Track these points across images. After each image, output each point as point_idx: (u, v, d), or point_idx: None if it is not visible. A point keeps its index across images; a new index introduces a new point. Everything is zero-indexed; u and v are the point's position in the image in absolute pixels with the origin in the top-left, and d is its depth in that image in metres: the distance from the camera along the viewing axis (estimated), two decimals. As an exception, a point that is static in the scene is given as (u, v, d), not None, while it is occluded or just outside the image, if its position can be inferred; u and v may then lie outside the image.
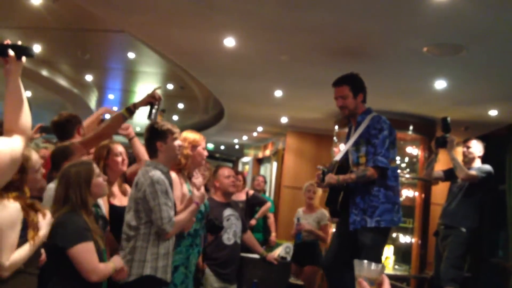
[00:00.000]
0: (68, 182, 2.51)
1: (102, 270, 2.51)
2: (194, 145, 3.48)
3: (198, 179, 3.18)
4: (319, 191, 5.91)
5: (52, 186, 2.76)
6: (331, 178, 3.50)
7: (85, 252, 2.44)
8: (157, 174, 2.90)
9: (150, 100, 3.29)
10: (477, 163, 4.79)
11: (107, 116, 3.96)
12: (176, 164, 3.35)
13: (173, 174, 3.30)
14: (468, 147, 4.82)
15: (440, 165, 5.24)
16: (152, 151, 3.05)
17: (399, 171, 6.87)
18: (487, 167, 4.70)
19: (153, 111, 3.31)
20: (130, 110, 3.24)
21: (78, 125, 3.63)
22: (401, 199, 6.72)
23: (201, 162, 3.56)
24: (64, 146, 3.10)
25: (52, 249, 2.43)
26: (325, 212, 5.76)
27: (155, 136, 3.03)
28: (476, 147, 4.81)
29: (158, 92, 3.34)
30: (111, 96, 12.30)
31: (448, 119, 4.58)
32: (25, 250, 2.15)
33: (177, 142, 3.06)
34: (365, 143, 3.51)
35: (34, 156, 2.31)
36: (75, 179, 2.51)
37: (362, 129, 3.53)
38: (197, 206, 3.07)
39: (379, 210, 3.43)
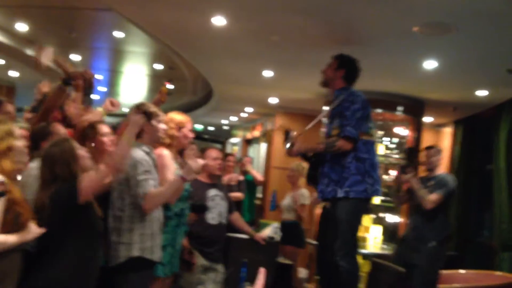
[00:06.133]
0: (54, 161, 2.47)
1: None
2: (180, 127, 3.51)
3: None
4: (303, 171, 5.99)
5: (33, 165, 2.72)
6: (300, 146, 3.61)
7: (89, 175, 2.50)
8: (140, 154, 2.92)
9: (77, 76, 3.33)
10: (438, 170, 4.81)
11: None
12: (162, 144, 3.36)
13: (166, 151, 3.34)
14: (429, 156, 4.81)
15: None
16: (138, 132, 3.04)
17: (388, 151, 6.99)
18: (448, 179, 4.64)
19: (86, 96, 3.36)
20: (66, 80, 3.30)
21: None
22: (389, 179, 6.85)
23: (185, 143, 3.61)
24: (43, 126, 3.05)
25: (65, 206, 2.43)
26: (304, 192, 5.82)
27: None
28: (436, 155, 4.81)
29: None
30: (99, 77, 12.10)
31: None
32: (7, 240, 2.12)
33: (161, 125, 3.10)
34: (339, 116, 3.63)
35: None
36: (60, 157, 2.47)
37: (336, 103, 3.67)
38: (181, 180, 3.04)
39: (349, 181, 3.54)
